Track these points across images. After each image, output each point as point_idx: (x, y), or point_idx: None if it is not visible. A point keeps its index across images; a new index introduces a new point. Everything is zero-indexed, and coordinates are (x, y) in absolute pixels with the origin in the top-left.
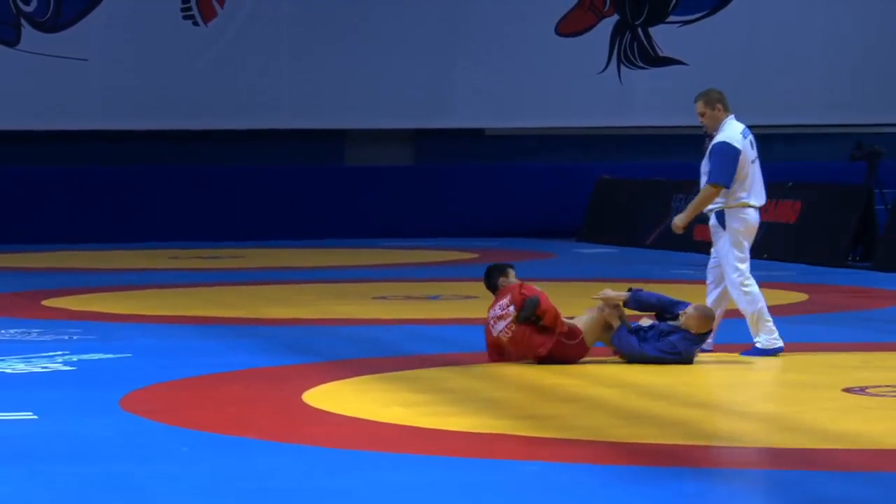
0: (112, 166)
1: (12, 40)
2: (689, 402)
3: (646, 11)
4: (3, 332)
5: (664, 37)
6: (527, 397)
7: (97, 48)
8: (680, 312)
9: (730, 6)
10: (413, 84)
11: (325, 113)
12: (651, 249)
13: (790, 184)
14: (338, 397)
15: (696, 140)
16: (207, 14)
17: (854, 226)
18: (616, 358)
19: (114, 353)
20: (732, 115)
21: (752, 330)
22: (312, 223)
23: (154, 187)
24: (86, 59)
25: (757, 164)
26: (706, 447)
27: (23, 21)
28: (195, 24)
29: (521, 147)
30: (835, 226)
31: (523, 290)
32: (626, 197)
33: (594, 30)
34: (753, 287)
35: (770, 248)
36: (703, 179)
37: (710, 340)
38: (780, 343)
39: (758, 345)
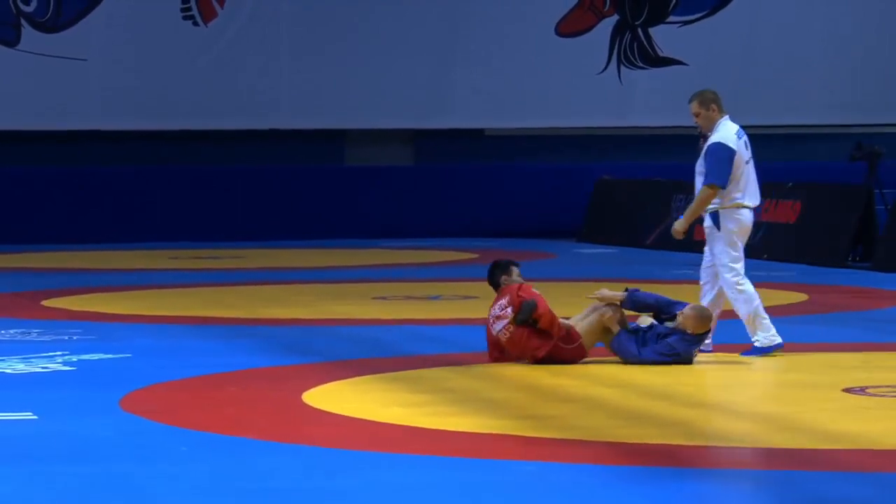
0: (112, 166)
1: (12, 40)
2: (689, 402)
3: (646, 11)
4: (3, 332)
5: (664, 37)
6: (527, 397)
7: (97, 48)
8: (677, 313)
9: (730, 6)
10: (413, 84)
11: (325, 113)
12: (651, 250)
13: (790, 184)
14: (337, 397)
15: (696, 140)
16: (207, 14)
17: (854, 226)
18: (615, 358)
19: (113, 354)
20: (727, 116)
21: (749, 330)
22: (312, 223)
23: (154, 187)
24: (86, 60)
25: (751, 164)
26: (706, 447)
27: (23, 21)
28: (195, 24)
29: (521, 147)
30: (835, 226)
31: (521, 293)
32: (626, 197)
33: (594, 30)
34: (748, 285)
35: (770, 248)
36: (698, 180)
37: (708, 341)
38: (779, 339)
39: (756, 344)
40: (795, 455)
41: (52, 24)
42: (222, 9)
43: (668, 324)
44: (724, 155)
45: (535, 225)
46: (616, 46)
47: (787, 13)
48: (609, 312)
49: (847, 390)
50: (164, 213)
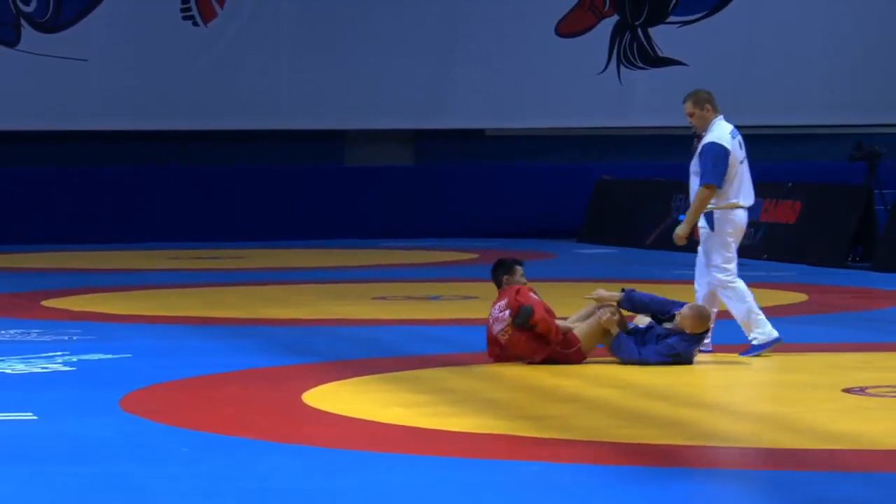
0: (112, 166)
1: (12, 40)
2: (688, 402)
3: (646, 12)
4: (3, 332)
5: (664, 37)
6: (527, 397)
7: (97, 48)
8: (676, 312)
9: (729, 6)
10: (413, 84)
11: (324, 113)
12: (651, 250)
13: (790, 184)
14: (337, 398)
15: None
16: (207, 14)
17: (854, 226)
18: (615, 359)
19: (113, 354)
20: (721, 116)
21: (744, 329)
22: (312, 223)
23: (154, 187)
24: (86, 60)
25: (746, 164)
26: (706, 447)
27: (23, 21)
28: (195, 24)
29: (520, 147)
30: (835, 226)
31: (519, 297)
32: (626, 197)
33: (594, 30)
34: (739, 283)
35: (770, 249)
36: (693, 180)
37: (708, 341)
38: (776, 333)
39: (754, 342)
40: (795, 455)
41: (52, 24)
42: (222, 9)
43: (667, 324)
44: (718, 155)
45: (536, 225)
46: (616, 46)
47: (787, 13)
48: (608, 314)
49: (847, 390)
50: (164, 213)
